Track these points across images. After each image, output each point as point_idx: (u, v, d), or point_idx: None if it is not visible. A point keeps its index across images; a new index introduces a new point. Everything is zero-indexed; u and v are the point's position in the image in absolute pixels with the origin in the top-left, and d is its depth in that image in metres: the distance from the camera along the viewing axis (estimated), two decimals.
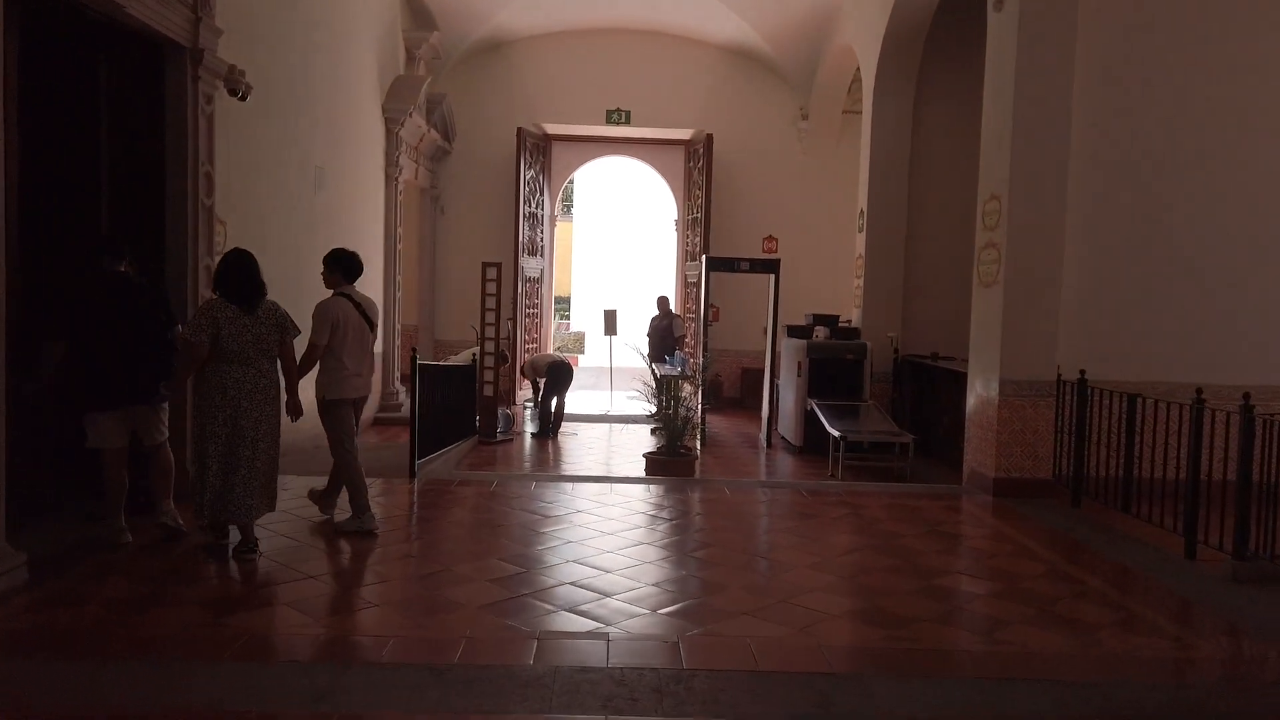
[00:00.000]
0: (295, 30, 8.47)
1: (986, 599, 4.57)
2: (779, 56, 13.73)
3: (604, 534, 5.59)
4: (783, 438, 10.68)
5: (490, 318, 10.60)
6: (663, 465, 7.82)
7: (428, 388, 7.82)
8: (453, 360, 11.34)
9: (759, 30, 13.30)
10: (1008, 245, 6.97)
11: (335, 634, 3.88)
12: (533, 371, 11.31)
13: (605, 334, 13.99)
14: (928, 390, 10.12)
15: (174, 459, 5.34)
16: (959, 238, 10.53)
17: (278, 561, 4.90)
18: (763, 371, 12.75)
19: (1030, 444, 7.01)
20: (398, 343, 12.09)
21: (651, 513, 6.34)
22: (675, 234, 15.41)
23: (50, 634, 3.78)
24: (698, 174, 14.13)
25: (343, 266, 5.78)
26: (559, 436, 10.96)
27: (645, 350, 12.35)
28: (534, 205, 14.29)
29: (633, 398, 15.17)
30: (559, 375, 11.00)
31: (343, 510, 5.74)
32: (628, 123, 14.25)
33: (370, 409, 11.29)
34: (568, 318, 25.66)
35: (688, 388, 8.97)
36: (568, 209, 24.02)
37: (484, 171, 14.27)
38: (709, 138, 13.67)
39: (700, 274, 13.44)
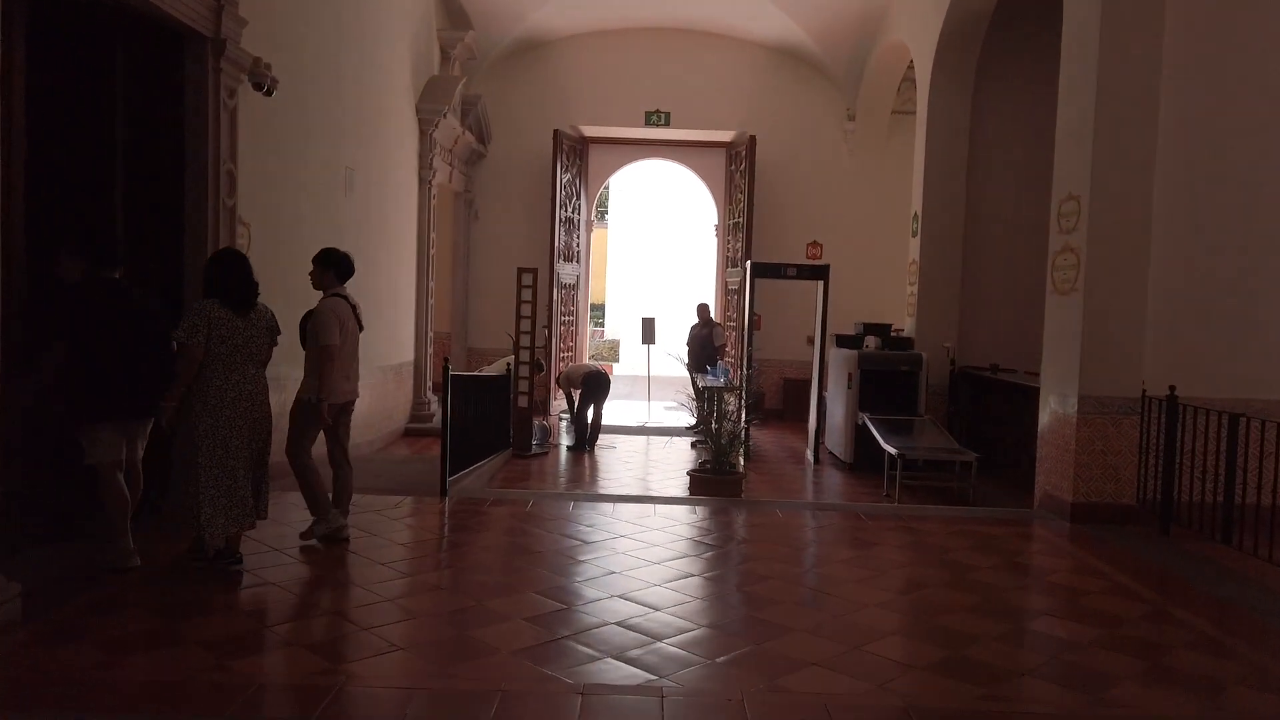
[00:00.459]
0: (325, 25, 8.12)
1: (1087, 648, 4.02)
2: (825, 55, 13.21)
3: (649, 563, 5.11)
4: (831, 453, 10.14)
5: (525, 325, 10.17)
6: (707, 484, 7.33)
7: (460, 400, 7.40)
8: (486, 370, 10.94)
9: (805, 28, 12.79)
10: (1088, 249, 6.40)
11: (355, 684, 3.43)
12: (567, 383, 10.88)
13: (643, 342, 13.53)
14: (986, 405, 9.54)
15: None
16: (1020, 242, 9.98)
17: (292, 593, 4.48)
18: (807, 382, 12.25)
19: (1112, 466, 6.43)
20: (430, 351, 11.71)
21: (698, 538, 5.85)
22: (715, 239, 14.92)
23: (41, 680, 3.37)
24: (739, 177, 13.64)
25: (336, 266, 5.48)
26: (596, 450, 10.50)
27: (685, 359, 11.89)
28: (570, 210, 13.87)
29: (671, 408, 14.74)
30: (596, 386, 10.55)
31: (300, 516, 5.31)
32: (667, 124, 13.80)
33: (400, 420, 10.92)
34: (602, 325, 25.23)
35: (732, 401, 8.48)
36: (602, 215, 23.61)
37: (519, 175, 13.88)
38: (752, 139, 13.18)
39: (743, 281, 12.95)
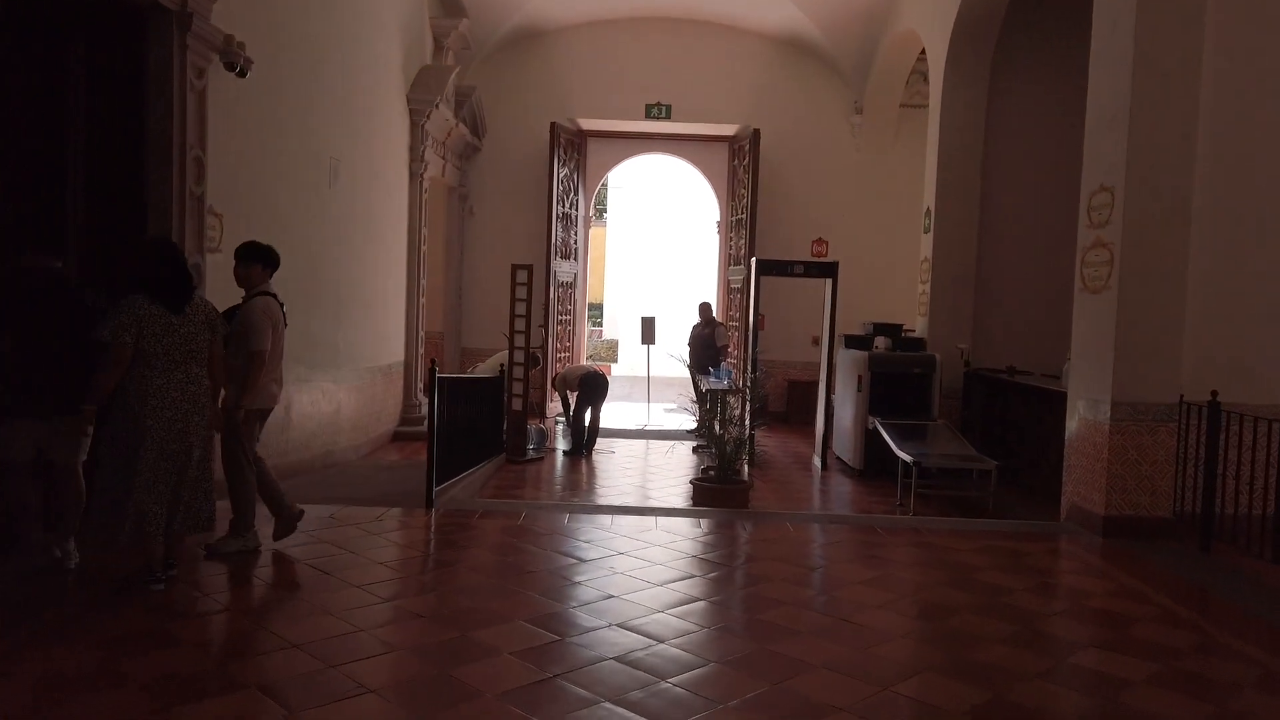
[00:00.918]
0: (308, 5, 7.67)
1: (1144, 687, 3.58)
2: (832, 46, 12.77)
3: (650, 585, 4.67)
4: (839, 459, 9.70)
5: (520, 325, 9.73)
6: (712, 494, 6.89)
7: (449, 404, 6.95)
8: (478, 369, 10.50)
9: (812, 17, 12.35)
10: (1122, 244, 5.96)
11: None
12: (564, 385, 10.44)
13: (643, 343, 13.09)
14: (1002, 409, 9.10)
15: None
16: (1037, 238, 9.58)
17: (253, 621, 4.03)
18: (812, 384, 11.80)
19: (1147, 477, 5.99)
20: (420, 351, 11.26)
21: (704, 555, 5.41)
22: (717, 236, 14.47)
23: None
24: (743, 172, 13.19)
25: (264, 260, 5.08)
26: (593, 455, 10.06)
27: (687, 360, 11.45)
28: (567, 205, 13.42)
29: (671, 410, 14.30)
30: (593, 388, 10.10)
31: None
32: (668, 118, 13.35)
33: (389, 423, 10.47)
34: (600, 325, 24.78)
35: (736, 404, 8.04)
36: (601, 213, 23.16)
37: (515, 170, 13.42)
38: (755, 133, 12.72)
39: (746, 279, 12.50)
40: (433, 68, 11.40)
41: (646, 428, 12.17)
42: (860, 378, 9.07)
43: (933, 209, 9.80)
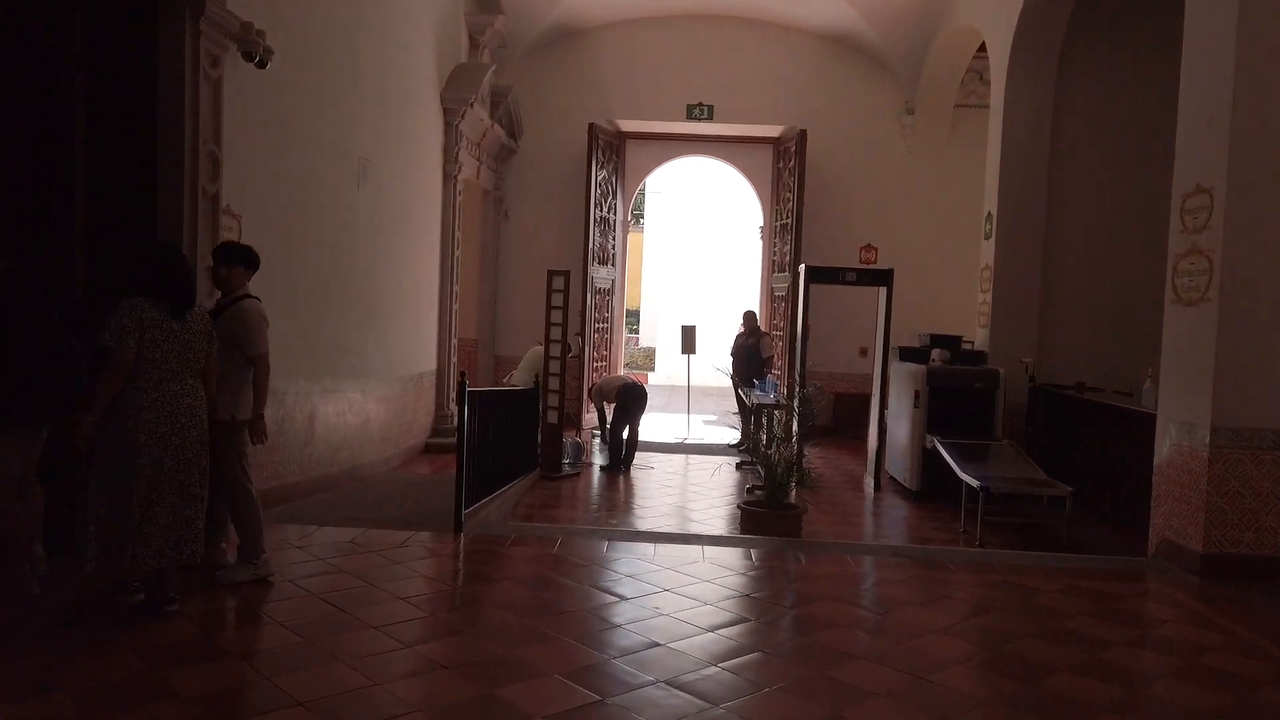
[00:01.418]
0: None
1: None
2: (883, 43, 12.20)
3: (700, 630, 4.16)
4: (893, 478, 9.12)
5: (556, 334, 9.27)
6: (762, 520, 6.36)
7: (480, 419, 6.49)
8: (511, 377, 10.06)
9: (862, 13, 11.79)
10: (1224, 252, 5.36)
11: None
12: (600, 396, 9.97)
13: (683, 352, 12.57)
14: (1070, 428, 8.49)
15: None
16: (1108, 245, 8.99)
17: (257, 668, 3.57)
18: (859, 397, 11.25)
19: (1251, 511, 5.38)
20: (453, 360, 10.84)
21: (757, 593, 4.90)
22: (760, 242, 13.93)
23: None
24: (788, 175, 12.65)
25: (246, 261, 4.77)
26: (632, 471, 9.57)
27: (730, 371, 10.94)
28: (605, 209, 12.96)
29: (710, 422, 13.79)
30: (631, 400, 9.61)
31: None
32: (710, 118, 12.85)
33: (420, 434, 10.06)
34: (636, 332, 24.30)
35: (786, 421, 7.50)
36: (637, 218, 22.68)
37: (552, 172, 12.98)
38: (802, 134, 12.18)
39: (792, 287, 11.96)
40: (468, 66, 11.00)
41: (686, 441, 11.67)
42: (917, 393, 8.50)
43: (994, 214, 9.21)
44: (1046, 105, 9.07)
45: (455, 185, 10.64)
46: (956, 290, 11.88)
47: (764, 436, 7.00)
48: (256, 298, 4.72)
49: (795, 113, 12.66)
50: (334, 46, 7.22)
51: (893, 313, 9.09)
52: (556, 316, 9.24)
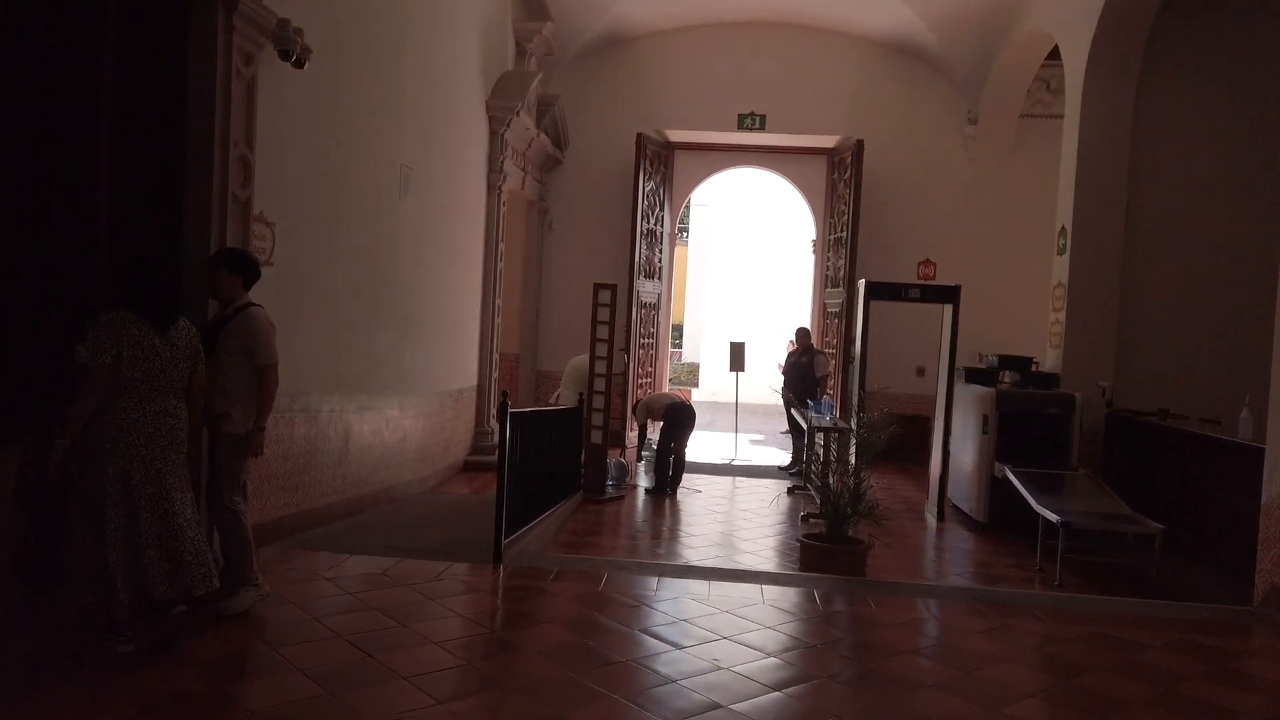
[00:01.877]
0: None
1: None
2: (945, 51, 11.69)
3: (766, 689, 3.71)
4: (956, 507, 8.59)
5: (601, 349, 8.88)
6: (823, 556, 5.88)
7: (522, 441, 6.10)
8: (559, 398, 9.68)
9: (924, 19, 11.30)
10: None
11: None
12: (645, 413, 9.55)
13: (731, 369, 12.13)
14: (1151, 459, 7.90)
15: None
16: (1194, 261, 8.39)
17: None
18: (917, 419, 10.69)
19: None
20: (494, 375, 10.50)
21: (825, 643, 4.43)
22: (812, 256, 13.45)
23: None
24: (843, 187, 12.17)
25: (247, 270, 4.39)
26: (678, 494, 9.12)
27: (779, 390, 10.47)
28: (652, 221, 12.57)
29: (758, 442, 13.32)
30: (679, 419, 9.18)
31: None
32: (762, 128, 12.41)
33: (459, 452, 9.71)
34: (680, 347, 23.90)
35: (842, 446, 7.01)
36: (682, 231, 22.32)
37: (598, 183, 12.62)
38: (858, 144, 11.70)
39: (846, 303, 11.48)
40: (514, 73, 10.71)
41: (734, 462, 11.21)
42: (985, 417, 7.97)
43: (1069, 228, 8.65)
44: (1126, 113, 8.53)
45: (500, 195, 10.33)
46: (1020, 308, 11.33)
47: (821, 462, 6.51)
48: (261, 305, 4.41)
49: (851, 122, 12.19)
50: (376, 48, 6.91)
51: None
52: (602, 332, 8.86)
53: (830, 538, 5.98)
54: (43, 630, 3.90)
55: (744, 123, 12.42)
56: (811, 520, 7.87)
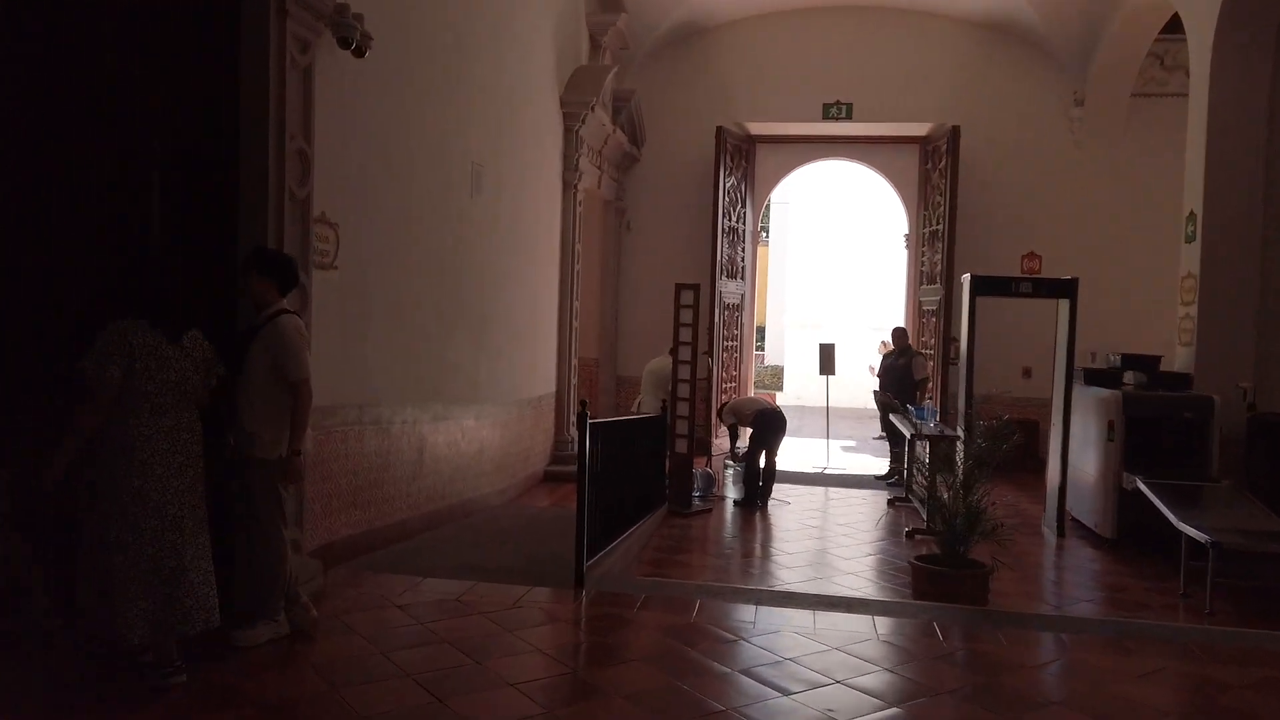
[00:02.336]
0: None
1: None
2: (1048, 28, 10.89)
3: None
4: (1076, 520, 7.84)
5: (685, 353, 8.39)
6: (940, 582, 5.27)
7: (604, 453, 5.63)
8: (640, 405, 9.22)
9: None
10: None
11: None
12: (733, 417, 9.02)
13: (821, 373, 11.52)
14: None
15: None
16: None
17: None
18: (1022, 425, 9.89)
19: None
20: (573, 381, 10.10)
21: (956, 690, 3.84)
22: (905, 252, 12.73)
23: None
24: (938, 177, 11.44)
25: (282, 273, 3.98)
26: (768, 506, 8.56)
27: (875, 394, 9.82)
28: (734, 218, 12.04)
29: (849, 449, 12.65)
30: (769, 426, 8.61)
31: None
32: (849, 118, 11.77)
33: (538, 462, 9.33)
34: (762, 349, 23.23)
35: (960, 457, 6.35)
36: (763, 231, 21.68)
37: (676, 181, 12.13)
38: (954, 131, 10.97)
39: (944, 300, 10.77)
40: (589, 68, 10.30)
41: (826, 471, 10.59)
42: (1110, 423, 7.22)
43: (1198, 214, 7.82)
44: (1262, 85, 7.66)
45: (575, 194, 9.93)
46: (1138, 303, 10.50)
47: (932, 475, 5.89)
48: (295, 312, 4.05)
49: (945, 109, 11.45)
50: (442, 39, 6.56)
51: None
52: (685, 334, 8.36)
53: (946, 560, 5.37)
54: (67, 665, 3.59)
55: (829, 112, 11.80)
56: (918, 537, 7.26)
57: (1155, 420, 7.20)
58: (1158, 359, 7.81)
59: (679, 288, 8.48)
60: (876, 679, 3.82)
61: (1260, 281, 7.66)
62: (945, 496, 5.60)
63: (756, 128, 12.20)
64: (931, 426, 7.84)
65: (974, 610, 4.98)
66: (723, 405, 9.63)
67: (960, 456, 5.85)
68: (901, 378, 9.73)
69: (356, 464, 5.59)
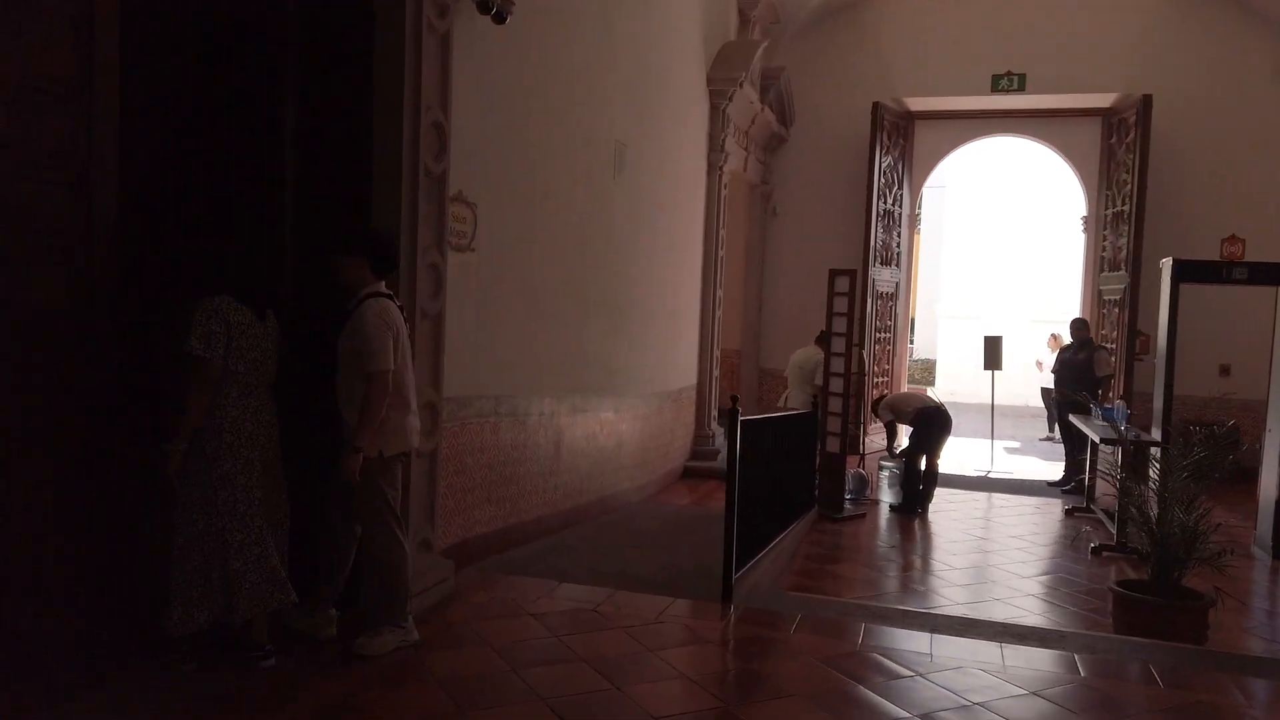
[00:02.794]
0: None
1: None
2: None
3: None
4: None
5: (838, 345, 7.78)
6: (1147, 615, 4.52)
7: (752, 455, 5.13)
8: (787, 400, 8.66)
9: None
10: None
11: None
12: (890, 413, 8.33)
13: (986, 368, 10.62)
14: None
15: None
16: None
17: None
18: (1216, 428, 8.76)
19: None
20: (715, 373, 9.62)
21: None
22: (1083, 235, 11.62)
23: None
24: (1124, 152, 10.33)
25: (374, 252, 3.61)
26: (928, 513, 7.86)
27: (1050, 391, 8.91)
28: (889, 201, 11.25)
29: (1014, 450, 11.68)
30: (932, 426, 7.90)
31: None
32: (1021, 89, 10.78)
33: (678, 457, 8.91)
34: (913, 342, 22.09)
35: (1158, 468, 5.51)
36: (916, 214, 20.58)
37: (827, 162, 11.44)
38: (1145, 100, 9.85)
39: (1130, 289, 9.71)
40: (737, 43, 9.76)
41: (990, 474, 9.74)
42: None
43: None
44: None
45: (721, 177, 9.43)
46: None
47: (1136, 486, 5.11)
48: (390, 295, 3.67)
49: (1132, 78, 10.31)
50: (586, 7, 6.18)
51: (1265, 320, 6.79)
52: (840, 324, 7.75)
53: (1156, 588, 4.61)
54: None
55: (999, 84, 10.84)
56: (1104, 554, 6.44)
57: None
58: None
59: (833, 274, 7.87)
60: None
61: None
62: (1152, 511, 4.83)
63: (916, 103, 11.34)
64: (1124, 429, 6.95)
65: (1193, 651, 4.22)
66: (877, 400, 8.95)
67: (1157, 465, 5.07)
68: (1081, 374, 8.76)
69: (492, 457, 5.31)
